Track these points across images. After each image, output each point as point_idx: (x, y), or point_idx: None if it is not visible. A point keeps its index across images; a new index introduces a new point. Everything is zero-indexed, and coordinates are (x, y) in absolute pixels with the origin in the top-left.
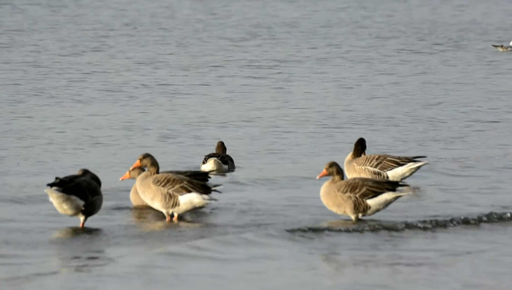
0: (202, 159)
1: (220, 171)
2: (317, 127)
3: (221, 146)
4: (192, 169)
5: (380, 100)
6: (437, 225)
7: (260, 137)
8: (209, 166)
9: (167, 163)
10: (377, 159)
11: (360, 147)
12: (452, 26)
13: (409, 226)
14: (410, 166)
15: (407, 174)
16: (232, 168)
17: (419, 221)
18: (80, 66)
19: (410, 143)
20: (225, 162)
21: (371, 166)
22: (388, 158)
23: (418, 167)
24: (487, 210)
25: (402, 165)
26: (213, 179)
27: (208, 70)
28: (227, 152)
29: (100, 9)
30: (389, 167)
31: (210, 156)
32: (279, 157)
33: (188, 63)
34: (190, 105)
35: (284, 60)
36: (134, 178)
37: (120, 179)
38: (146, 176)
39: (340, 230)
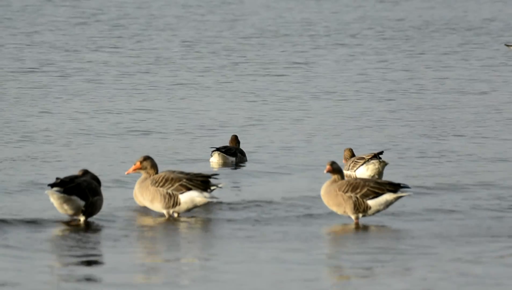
0: (210, 152)
1: (226, 164)
2: (336, 128)
3: (235, 140)
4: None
5: (390, 100)
6: None
7: (281, 135)
8: (214, 159)
9: (184, 160)
10: (351, 160)
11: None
12: (464, 24)
13: None
14: (369, 164)
15: (371, 171)
16: (241, 161)
17: None
18: (96, 64)
19: (416, 144)
20: (232, 154)
21: (346, 169)
22: (358, 156)
23: (380, 164)
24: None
25: (367, 161)
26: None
27: (228, 68)
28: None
29: (115, 7)
30: (357, 165)
31: (217, 149)
32: (296, 154)
33: (208, 62)
34: (212, 103)
35: (305, 59)
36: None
37: (126, 173)
38: (146, 178)
39: None
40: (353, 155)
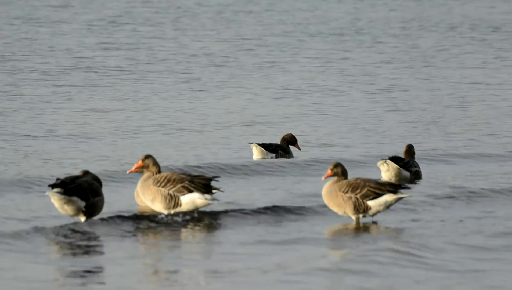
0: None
1: (264, 157)
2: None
3: (285, 138)
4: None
5: (414, 100)
6: None
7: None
8: (254, 152)
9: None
10: None
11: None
12: (487, 22)
13: None
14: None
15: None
16: (283, 157)
17: None
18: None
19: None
20: (271, 150)
21: None
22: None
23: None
24: None
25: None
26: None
27: (259, 69)
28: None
29: (145, 7)
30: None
31: (258, 144)
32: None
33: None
34: (245, 103)
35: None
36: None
37: (128, 172)
38: (149, 177)
39: None
40: (412, 152)
